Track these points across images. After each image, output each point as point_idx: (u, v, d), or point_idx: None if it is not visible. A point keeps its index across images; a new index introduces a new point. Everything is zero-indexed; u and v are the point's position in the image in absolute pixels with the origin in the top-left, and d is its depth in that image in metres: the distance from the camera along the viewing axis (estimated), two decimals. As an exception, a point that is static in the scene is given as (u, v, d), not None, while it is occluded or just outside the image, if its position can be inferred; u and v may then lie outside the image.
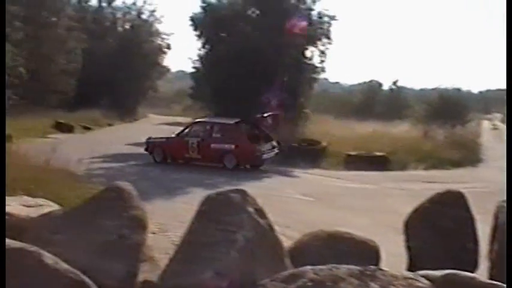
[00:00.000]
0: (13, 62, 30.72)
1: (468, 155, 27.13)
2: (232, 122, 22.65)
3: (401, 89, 65.32)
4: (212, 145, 21.67)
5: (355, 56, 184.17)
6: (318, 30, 31.78)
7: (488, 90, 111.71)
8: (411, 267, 5.99)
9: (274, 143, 22.91)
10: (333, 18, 32.09)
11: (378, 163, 22.63)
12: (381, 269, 3.88)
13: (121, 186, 5.35)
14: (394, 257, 6.74)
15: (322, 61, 32.22)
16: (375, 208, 14.06)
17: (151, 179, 17.88)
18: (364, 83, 72.29)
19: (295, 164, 22.38)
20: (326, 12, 32.10)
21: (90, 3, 57.39)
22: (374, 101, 60.42)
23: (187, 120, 50.90)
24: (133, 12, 59.60)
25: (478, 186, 18.55)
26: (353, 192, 16.83)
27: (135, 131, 42.82)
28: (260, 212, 4.77)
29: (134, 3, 59.32)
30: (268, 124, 23.58)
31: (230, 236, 4.49)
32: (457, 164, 24.85)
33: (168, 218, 11.48)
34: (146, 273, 5.49)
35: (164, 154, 22.67)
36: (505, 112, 60.64)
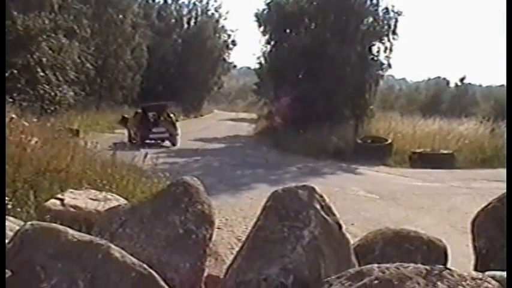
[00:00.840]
0: (80, 58, 31.35)
1: (537, 153, 26.50)
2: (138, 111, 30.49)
3: (468, 85, 64.18)
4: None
5: (421, 52, 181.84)
6: (384, 26, 31.51)
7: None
8: (478, 268, 5.91)
9: (168, 129, 28.61)
10: (399, 13, 31.77)
11: (444, 161, 22.30)
12: (448, 269, 3.84)
13: (188, 181, 5.40)
14: (461, 257, 6.67)
15: (388, 57, 31.94)
16: (440, 206, 13.88)
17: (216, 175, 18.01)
18: (430, 79, 71.39)
19: (360, 161, 22.27)
20: (392, 8, 31.80)
21: (155, 0, 58.02)
22: (440, 98, 59.54)
23: (251, 116, 51.25)
24: (199, 9, 60.05)
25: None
26: (418, 190, 16.62)
27: (199, 127, 43.37)
28: (327, 208, 4.76)
29: (200, 0, 59.76)
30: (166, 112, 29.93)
31: (297, 232, 4.49)
32: (525, 162, 24.30)
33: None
34: (211, 267, 5.56)
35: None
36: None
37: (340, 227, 4.75)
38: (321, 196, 4.79)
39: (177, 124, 29.95)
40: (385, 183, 17.97)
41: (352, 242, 5.56)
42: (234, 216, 11.32)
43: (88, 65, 33.62)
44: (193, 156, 22.89)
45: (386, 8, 31.75)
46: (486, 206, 6.30)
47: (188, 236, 5.01)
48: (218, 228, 9.06)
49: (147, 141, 26.95)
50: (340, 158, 23.01)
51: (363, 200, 14.55)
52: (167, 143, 28.52)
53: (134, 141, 26.94)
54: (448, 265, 5.90)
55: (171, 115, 30.16)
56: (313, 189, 4.83)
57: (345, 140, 25.66)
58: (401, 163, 22.84)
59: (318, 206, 4.69)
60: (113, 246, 4.27)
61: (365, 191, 15.82)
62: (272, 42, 33.79)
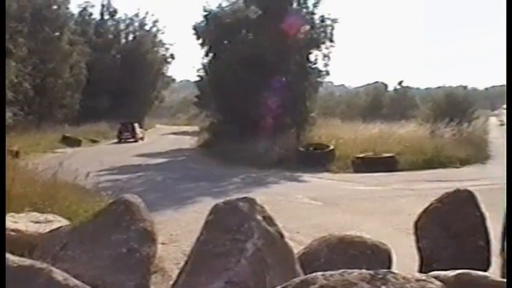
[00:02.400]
0: (18, 78, 30.82)
1: (476, 152, 27.02)
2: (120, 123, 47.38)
3: (406, 89, 65.27)
4: None
5: (359, 58, 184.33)
6: (320, 34, 31.78)
7: (493, 86, 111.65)
8: (423, 268, 5.95)
9: (131, 133, 47.29)
10: (335, 21, 32.10)
11: (386, 164, 22.56)
12: (392, 272, 3.83)
13: (128, 199, 5.33)
14: (406, 258, 6.70)
15: (326, 64, 32.21)
16: (384, 209, 13.98)
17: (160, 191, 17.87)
18: (369, 84, 72.45)
19: (303, 168, 22.37)
20: (328, 16, 32.11)
21: (92, 17, 57.56)
22: (380, 102, 60.38)
23: (193, 128, 51.19)
24: (136, 24, 59.79)
25: (488, 183, 18.47)
26: (362, 194, 16.76)
27: (142, 142, 43.04)
28: (269, 219, 4.73)
29: (136, 15, 59.49)
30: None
31: (240, 244, 4.45)
32: (465, 161, 24.76)
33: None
34: (158, 284, 5.48)
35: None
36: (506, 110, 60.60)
37: (282, 236, 4.72)
38: (262, 207, 4.76)
39: (139, 130, 48.86)
40: (329, 189, 18.07)
41: (297, 250, 5.54)
42: (180, 231, 11.21)
43: (26, 84, 33.11)
44: (136, 172, 22.71)
45: (322, 16, 32.06)
46: (427, 207, 6.36)
47: (131, 255, 4.93)
48: (164, 244, 8.96)
49: (122, 139, 46.08)
50: (284, 166, 23.08)
51: (307, 207, 14.57)
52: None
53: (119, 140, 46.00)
54: (394, 267, 5.93)
55: (135, 125, 48.06)
56: (254, 201, 4.79)
57: (287, 148, 25.77)
58: (345, 168, 23.02)
59: (260, 218, 4.65)
60: (54, 269, 4.16)
61: (309, 198, 15.86)
62: (211, 54, 33.79)
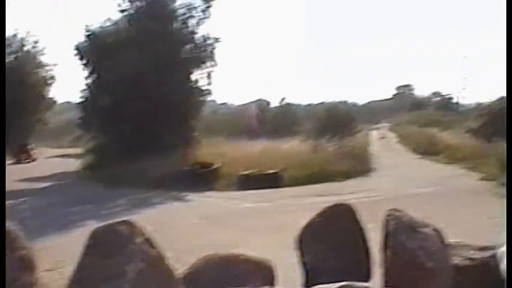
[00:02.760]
0: None
1: (358, 165, 27.76)
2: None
3: (289, 105, 66.37)
4: None
5: (241, 76, 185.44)
6: (202, 53, 31.96)
7: (372, 102, 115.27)
8: (307, 283, 6.07)
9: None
10: (216, 40, 32.38)
11: (271, 180, 22.84)
12: (274, 288, 3.90)
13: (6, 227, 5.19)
14: (292, 273, 6.81)
15: (208, 83, 32.41)
16: (270, 226, 14.13)
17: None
18: (251, 102, 73.14)
19: (189, 187, 22.32)
20: (209, 35, 32.36)
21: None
22: (263, 120, 61.01)
23: (76, 151, 50.17)
24: (15, 45, 57.97)
25: (369, 195, 19.04)
26: (248, 211, 16.91)
27: (26, 165, 41.86)
28: (149, 241, 4.71)
29: (15, 35, 57.71)
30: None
31: (120, 268, 4.41)
32: (348, 175, 25.38)
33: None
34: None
35: None
36: (407, 119, 62.91)
37: (163, 258, 4.71)
38: (142, 229, 4.74)
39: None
40: (215, 207, 18.12)
41: (182, 270, 5.54)
42: (65, 257, 10.95)
43: None
44: (19, 197, 21.98)
45: (204, 36, 32.27)
46: (309, 222, 6.50)
47: (11, 284, 4.79)
48: (48, 270, 8.72)
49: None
50: (170, 186, 22.94)
51: (194, 226, 14.56)
52: None
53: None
54: (279, 283, 6.02)
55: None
56: (133, 223, 4.76)
57: (173, 168, 25.66)
58: (230, 186, 23.14)
59: (140, 240, 4.62)
60: None
61: (196, 217, 15.86)
62: (94, 74, 33.28)
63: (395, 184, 22.59)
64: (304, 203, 17.43)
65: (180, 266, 5.21)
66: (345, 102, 59.68)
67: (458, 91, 70.67)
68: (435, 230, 6.14)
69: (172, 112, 29.67)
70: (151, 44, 30.54)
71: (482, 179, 22.51)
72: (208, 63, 32.13)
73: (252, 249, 10.92)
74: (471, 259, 6.11)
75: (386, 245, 6.06)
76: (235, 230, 13.76)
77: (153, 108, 28.78)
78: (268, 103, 69.67)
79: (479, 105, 54.11)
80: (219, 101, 77.67)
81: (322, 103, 50.89)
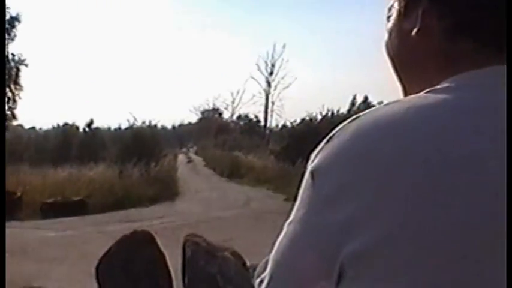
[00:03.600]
0: None
1: (165, 190, 28.01)
2: None
3: (96, 130, 65.16)
4: None
5: (49, 99, 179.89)
6: (6, 76, 30.92)
7: (181, 125, 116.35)
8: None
9: None
10: (21, 63, 31.43)
11: (76, 208, 22.45)
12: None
13: None
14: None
15: (12, 108, 31.37)
16: (74, 255, 13.94)
17: None
18: (60, 126, 71.15)
19: (-12, 218, 21.45)
20: (13, 57, 31.35)
21: None
22: (70, 145, 59.43)
23: None
24: None
25: (174, 219, 19.32)
26: (51, 241, 16.54)
27: None
28: None
29: None
30: None
31: None
32: (154, 200, 25.55)
33: None
34: None
35: None
36: (214, 143, 63.76)
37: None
38: None
39: None
40: (17, 238, 17.44)
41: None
42: None
43: None
44: None
45: (7, 57, 31.20)
46: (107, 251, 6.59)
47: None
48: None
49: None
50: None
51: (-7, 258, 14.05)
52: None
53: None
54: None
55: None
56: None
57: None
58: (33, 215, 22.41)
59: None
60: None
61: (-4, 249, 15.30)
62: None
63: (201, 208, 23.03)
64: (110, 230, 17.28)
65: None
66: (155, 126, 60.01)
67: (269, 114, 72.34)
68: (233, 253, 6.46)
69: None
70: None
71: (285, 199, 23.56)
72: (12, 87, 31.09)
73: (56, 280, 10.85)
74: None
75: (186, 271, 6.29)
76: (37, 261, 13.44)
77: None
78: (77, 127, 68.11)
79: (284, 128, 56.21)
80: (27, 126, 75.16)
81: (130, 127, 50.53)
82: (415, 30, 1.21)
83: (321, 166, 1.08)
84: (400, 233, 0.97)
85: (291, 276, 1.15)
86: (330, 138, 1.10)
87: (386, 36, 1.33)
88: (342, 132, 1.09)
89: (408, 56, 1.27)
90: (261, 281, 1.22)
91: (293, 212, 1.15)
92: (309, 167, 1.11)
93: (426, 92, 1.13)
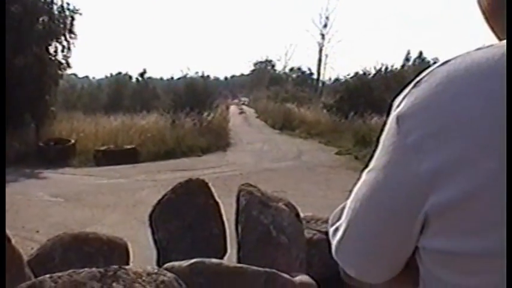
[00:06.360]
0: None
1: (217, 140, 27.96)
2: None
3: (149, 80, 65.47)
4: None
5: (103, 49, 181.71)
6: (60, 25, 30.90)
7: (233, 76, 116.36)
8: (161, 260, 6.03)
9: None
10: (75, 11, 31.36)
11: (128, 156, 22.56)
12: (123, 268, 3.83)
13: None
14: (148, 250, 6.75)
15: (66, 56, 31.41)
16: (127, 202, 14.01)
17: None
18: (112, 76, 71.73)
19: (44, 164, 21.68)
20: (68, 6, 31.28)
21: None
22: (122, 94, 59.90)
23: None
24: None
25: (226, 170, 19.23)
26: (104, 188, 16.61)
27: None
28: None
29: None
30: None
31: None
32: (206, 150, 25.52)
33: None
34: None
35: None
36: (266, 94, 63.67)
37: (9, 240, 4.52)
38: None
39: None
40: (71, 184, 17.68)
41: (33, 251, 5.35)
42: None
43: None
44: None
45: (62, 6, 31.17)
46: (161, 199, 6.45)
47: None
48: None
49: None
50: (23, 163, 22.13)
51: (48, 204, 14.15)
52: None
53: None
54: (135, 261, 5.95)
55: None
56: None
57: (27, 144, 24.81)
58: (86, 163, 22.62)
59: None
60: None
61: (50, 195, 15.41)
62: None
63: (252, 159, 22.93)
64: (161, 179, 17.40)
65: (33, 246, 5.05)
66: (207, 76, 59.82)
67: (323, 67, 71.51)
68: (287, 204, 6.26)
69: (28, 87, 28.59)
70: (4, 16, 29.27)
71: (337, 153, 23.30)
72: (67, 36, 31.09)
73: (110, 226, 10.81)
74: (324, 232, 6.28)
75: (239, 220, 6.12)
76: (90, 207, 13.52)
77: (8, 83, 27.63)
78: (130, 77, 68.52)
79: (336, 81, 55.61)
80: (80, 75, 75.94)
81: (180, 78, 50.37)
82: None
83: (408, 111, 1.02)
84: (495, 184, 0.90)
85: (368, 226, 1.12)
86: (418, 82, 1.04)
87: None
88: (431, 77, 1.02)
89: (496, 7, 1.18)
90: (336, 229, 1.21)
91: (373, 160, 1.10)
92: (394, 112, 1.05)
93: None
